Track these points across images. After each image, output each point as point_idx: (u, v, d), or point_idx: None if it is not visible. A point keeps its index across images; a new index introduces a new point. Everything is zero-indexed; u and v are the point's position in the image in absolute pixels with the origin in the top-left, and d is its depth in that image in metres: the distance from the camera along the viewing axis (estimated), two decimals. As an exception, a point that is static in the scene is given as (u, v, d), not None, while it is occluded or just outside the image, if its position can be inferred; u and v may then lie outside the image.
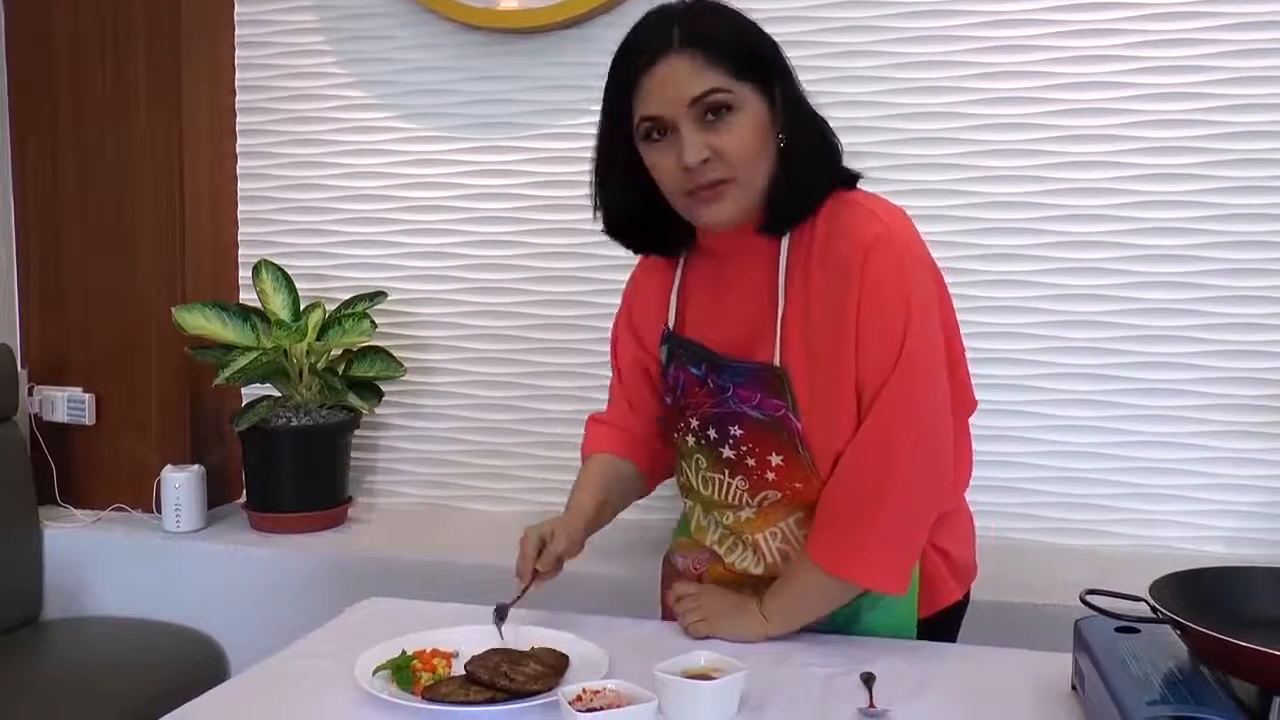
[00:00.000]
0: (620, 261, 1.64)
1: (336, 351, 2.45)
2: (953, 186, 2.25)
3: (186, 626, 2.36)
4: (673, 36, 1.32)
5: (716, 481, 1.46)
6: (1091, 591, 1.20)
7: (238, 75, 2.63)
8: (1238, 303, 2.15)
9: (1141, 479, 2.22)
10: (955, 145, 2.24)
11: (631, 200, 1.44)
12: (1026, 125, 2.21)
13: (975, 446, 1.54)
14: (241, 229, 2.66)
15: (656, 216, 1.44)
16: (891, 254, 1.34)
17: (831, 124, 1.42)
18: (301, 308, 2.43)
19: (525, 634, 1.39)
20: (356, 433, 2.54)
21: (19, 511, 2.40)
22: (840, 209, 1.38)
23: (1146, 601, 1.15)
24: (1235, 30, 2.11)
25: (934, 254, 1.42)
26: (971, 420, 1.52)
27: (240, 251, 2.65)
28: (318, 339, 2.37)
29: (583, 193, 1.50)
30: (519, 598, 1.43)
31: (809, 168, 1.38)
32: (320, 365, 2.40)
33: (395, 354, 2.48)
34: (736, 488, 1.44)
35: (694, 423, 1.46)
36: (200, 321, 2.36)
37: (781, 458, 1.39)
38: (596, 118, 1.44)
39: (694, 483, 1.50)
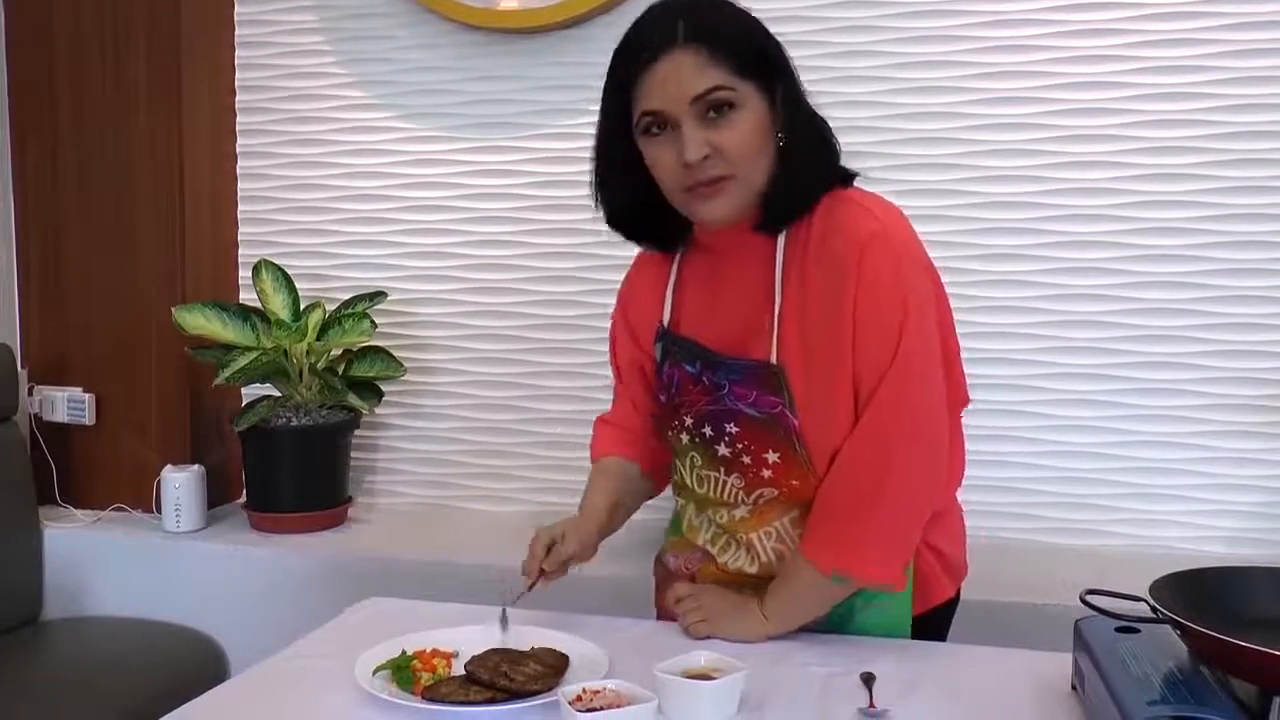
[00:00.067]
0: (620, 262, 1.64)
1: (336, 351, 2.45)
2: (953, 186, 2.25)
3: (186, 626, 2.36)
4: (677, 31, 1.32)
5: (711, 479, 1.46)
6: (1091, 591, 1.20)
7: (238, 75, 2.63)
8: (1238, 303, 2.15)
9: (1141, 479, 2.22)
10: (955, 145, 2.24)
11: (630, 197, 1.44)
12: (1026, 125, 2.21)
13: (975, 447, 1.54)
14: (241, 229, 2.66)
15: (654, 212, 1.44)
16: (888, 252, 1.34)
17: (831, 124, 1.42)
18: (301, 308, 2.43)
19: (525, 634, 1.39)
20: (356, 433, 2.54)
21: (19, 511, 2.40)
22: (836, 206, 1.38)
23: (1146, 601, 1.15)
24: (1235, 30, 2.11)
25: (934, 254, 1.42)
26: (971, 421, 1.52)
27: (240, 251, 2.66)
28: (318, 339, 2.37)
29: (583, 193, 1.50)
30: (520, 596, 1.43)
31: (808, 167, 1.38)
32: (320, 365, 2.40)
33: (395, 354, 2.48)
34: (732, 485, 1.44)
35: (688, 420, 1.46)
36: (200, 321, 2.36)
37: (778, 455, 1.39)
38: (596, 118, 1.44)
39: (688, 481, 1.50)
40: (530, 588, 1.44)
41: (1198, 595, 1.17)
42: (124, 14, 2.49)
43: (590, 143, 1.46)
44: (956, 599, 1.54)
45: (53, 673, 2.18)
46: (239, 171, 2.65)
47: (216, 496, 2.54)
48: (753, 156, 1.35)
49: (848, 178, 1.42)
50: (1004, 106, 2.22)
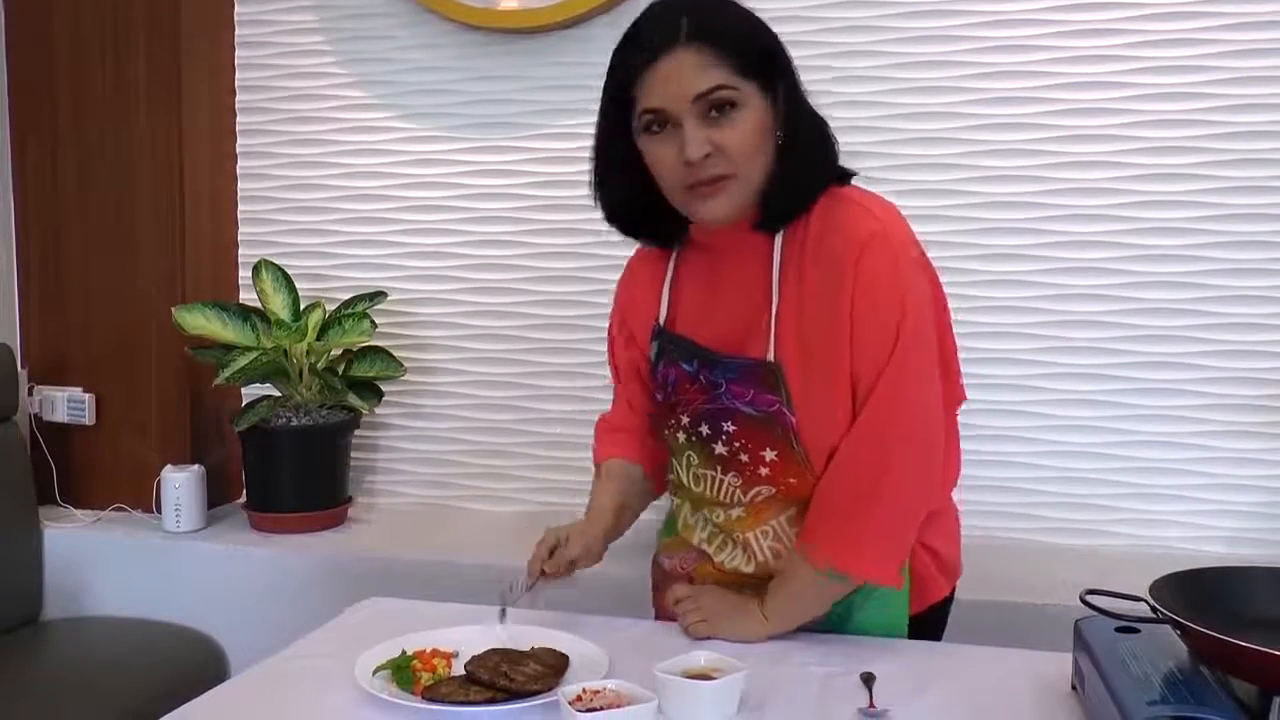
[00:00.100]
0: (620, 263, 1.64)
1: (336, 351, 2.45)
2: (953, 186, 2.25)
3: (186, 626, 2.36)
4: (679, 30, 1.31)
5: (708, 478, 1.46)
6: (1091, 591, 1.20)
7: (238, 75, 2.63)
8: (1238, 303, 2.15)
9: (1141, 479, 2.22)
10: (955, 145, 2.24)
11: (628, 195, 1.44)
12: (1026, 125, 2.21)
13: (975, 447, 1.55)
14: (241, 229, 2.66)
15: (652, 211, 1.44)
16: (886, 251, 1.34)
17: (831, 124, 1.42)
18: (301, 308, 2.43)
19: (525, 634, 1.39)
20: (356, 433, 2.54)
21: (19, 511, 2.40)
22: (834, 206, 1.38)
23: (1146, 601, 1.15)
24: (1235, 30, 2.11)
25: (933, 254, 1.43)
26: (971, 421, 1.52)
27: (240, 251, 2.65)
28: (318, 339, 2.37)
29: (583, 193, 1.49)
30: (520, 595, 1.43)
31: (807, 166, 1.38)
32: (320, 365, 2.40)
33: (395, 354, 2.48)
34: (729, 484, 1.44)
35: (685, 419, 1.46)
36: (200, 321, 2.36)
37: (775, 453, 1.39)
38: (596, 118, 1.44)
39: (684, 480, 1.50)
40: (529, 588, 1.44)
41: (1198, 595, 1.17)
42: (124, 14, 2.49)
43: (590, 142, 1.46)
44: (951, 598, 1.54)
45: (53, 673, 2.19)
46: (239, 171, 2.65)
47: (216, 496, 2.54)
48: (753, 156, 1.34)
49: (845, 176, 1.42)
50: (1004, 106, 2.22)
